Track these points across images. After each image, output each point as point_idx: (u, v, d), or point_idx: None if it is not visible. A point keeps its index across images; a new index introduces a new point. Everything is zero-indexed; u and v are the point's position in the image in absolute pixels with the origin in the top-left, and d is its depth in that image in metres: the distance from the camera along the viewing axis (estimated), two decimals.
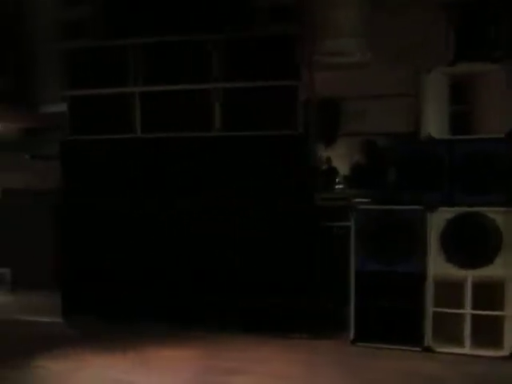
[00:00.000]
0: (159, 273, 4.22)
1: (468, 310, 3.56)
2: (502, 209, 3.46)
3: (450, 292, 3.60)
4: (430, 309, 3.62)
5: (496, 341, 3.50)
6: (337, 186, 4.79)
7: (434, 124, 3.55)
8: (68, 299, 4.38)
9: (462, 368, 3.37)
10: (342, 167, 4.74)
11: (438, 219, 3.58)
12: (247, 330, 3.94)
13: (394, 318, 3.70)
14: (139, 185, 4.24)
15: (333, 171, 4.83)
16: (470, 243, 3.52)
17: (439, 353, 3.60)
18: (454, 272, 3.58)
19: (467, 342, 3.56)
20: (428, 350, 3.62)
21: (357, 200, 4.13)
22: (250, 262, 4.00)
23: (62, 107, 5.91)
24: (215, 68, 3.97)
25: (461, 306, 3.58)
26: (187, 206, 4.09)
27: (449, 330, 3.61)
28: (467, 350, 3.56)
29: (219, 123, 4.00)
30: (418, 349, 3.64)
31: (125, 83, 4.14)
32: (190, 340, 3.90)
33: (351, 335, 3.80)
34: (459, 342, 3.58)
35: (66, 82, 4.28)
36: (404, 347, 3.66)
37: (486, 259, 3.51)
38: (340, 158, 4.77)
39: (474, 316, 3.55)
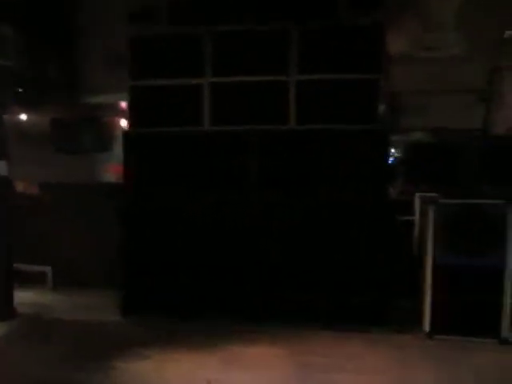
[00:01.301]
0: (224, 268, 4.14)
1: None
2: None
3: None
4: (508, 301, 3.75)
5: None
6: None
7: None
8: (128, 297, 4.25)
9: None
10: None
11: None
12: (323, 325, 3.93)
13: (470, 310, 3.78)
14: (207, 179, 4.13)
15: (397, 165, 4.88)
16: None
17: None
18: None
19: None
20: (505, 341, 3.74)
21: (425, 194, 4.20)
22: (326, 257, 3.97)
23: (105, 98, 5.80)
24: (292, 59, 3.90)
25: None
26: (261, 200, 4.02)
27: None
28: None
29: (294, 116, 3.95)
30: (494, 340, 3.76)
31: (195, 74, 4.02)
32: (271, 336, 3.85)
33: (426, 328, 3.88)
34: None
35: (128, 71, 4.11)
36: (480, 339, 3.77)
37: None
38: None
39: None
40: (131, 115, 4.17)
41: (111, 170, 6.86)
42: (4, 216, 4.17)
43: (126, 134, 4.17)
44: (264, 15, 3.91)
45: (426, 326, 3.88)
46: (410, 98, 4.23)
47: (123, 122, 6.79)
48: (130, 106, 4.16)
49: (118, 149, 6.75)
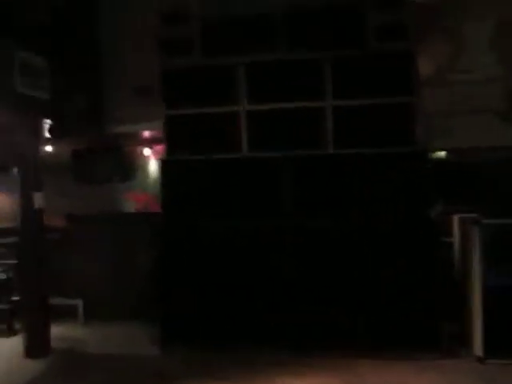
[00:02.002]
0: (263, 297, 4.04)
1: None
2: None
3: None
4: None
5: None
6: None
7: None
8: (163, 329, 4.13)
9: None
10: None
11: None
12: (368, 351, 3.84)
13: None
14: (244, 204, 4.09)
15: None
16: None
17: None
18: None
19: None
20: None
21: (464, 215, 4.17)
22: (369, 282, 3.90)
23: (129, 128, 5.82)
24: (328, 86, 3.93)
25: None
26: (303, 224, 3.97)
27: None
28: None
29: (332, 140, 3.96)
30: None
31: (231, 101, 4.05)
32: (316, 365, 3.74)
33: (477, 352, 3.78)
34: None
35: (163, 101, 4.14)
36: None
37: None
38: None
39: None
40: (168, 143, 4.17)
41: (133, 198, 6.86)
42: (41, 250, 4.11)
43: (163, 161, 4.16)
44: (297, 44, 3.97)
45: (477, 350, 3.80)
46: (441, 119, 4.25)
47: (146, 151, 6.88)
48: (167, 134, 4.16)
49: (139, 177, 6.90)
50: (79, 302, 5.10)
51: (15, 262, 4.90)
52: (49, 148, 5.82)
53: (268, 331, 3.97)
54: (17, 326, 4.73)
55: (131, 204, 6.75)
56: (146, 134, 6.51)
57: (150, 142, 6.68)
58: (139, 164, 6.66)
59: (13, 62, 3.69)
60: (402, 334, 3.89)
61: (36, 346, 4.20)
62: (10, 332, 4.73)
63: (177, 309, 4.11)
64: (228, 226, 4.05)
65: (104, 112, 5.34)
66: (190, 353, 4.06)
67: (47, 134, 4.82)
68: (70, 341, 4.55)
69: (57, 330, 4.64)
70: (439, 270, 3.97)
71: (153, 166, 6.82)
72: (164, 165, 4.15)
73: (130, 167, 6.60)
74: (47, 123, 4.82)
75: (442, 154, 4.96)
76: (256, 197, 4.06)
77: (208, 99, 4.11)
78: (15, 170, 4.26)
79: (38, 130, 4.17)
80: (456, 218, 4.36)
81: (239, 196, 4.08)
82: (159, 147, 6.69)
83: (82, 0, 4.81)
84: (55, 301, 4.92)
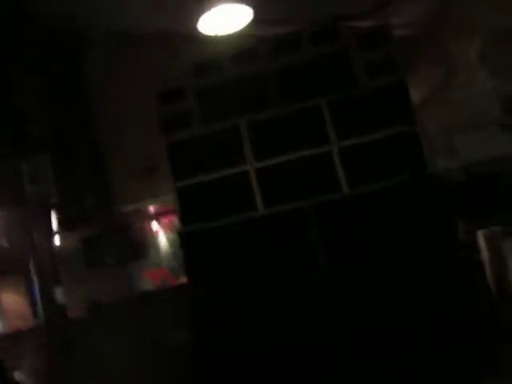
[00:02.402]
0: (296, 360, 3.88)
1: None
2: None
3: None
4: None
5: None
6: None
7: None
8: None
9: None
10: None
11: None
12: None
13: None
14: (263, 265, 4.04)
15: None
16: None
17: None
18: None
19: None
20: None
21: (489, 230, 4.13)
22: (407, 324, 3.79)
23: (134, 206, 5.82)
24: (330, 129, 3.99)
25: None
26: (330, 275, 3.91)
27: None
28: None
29: (345, 184, 3.96)
30: None
31: (238, 162, 4.08)
32: None
33: None
34: None
35: (172, 174, 4.15)
36: None
37: None
38: None
39: None
40: (181, 214, 4.13)
41: (148, 276, 6.74)
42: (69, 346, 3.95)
43: (180, 234, 4.11)
44: (292, 96, 4.06)
45: None
46: (441, 138, 4.32)
47: (154, 226, 6.84)
48: (180, 206, 4.13)
49: (152, 254, 6.81)
50: None
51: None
52: (57, 240, 5.80)
53: None
54: None
55: (148, 282, 6.64)
56: (152, 208, 6.56)
57: (156, 216, 6.72)
58: (149, 240, 6.64)
59: (21, 172, 3.74)
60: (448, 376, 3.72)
61: None
62: None
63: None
64: (259, 289, 3.96)
65: (109, 197, 5.37)
66: None
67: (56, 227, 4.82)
68: None
69: None
70: (477, 294, 3.90)
71: (163, 240, 6.81)
72: (182, 237, 4.09)
73: (140, 244, 6.57)
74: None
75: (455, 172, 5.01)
76: (280, 253, 4.01)
77: (215, 165, 4.14)
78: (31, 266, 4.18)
79: (49, 225, 4.14)
80: (481, 234, 4.34)
81: (263, 256, 4.02)
82: (166, 220, 6.74)
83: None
84: None
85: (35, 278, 3.99)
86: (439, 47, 4.19)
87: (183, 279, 6.51)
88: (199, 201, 4.15)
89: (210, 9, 4.65)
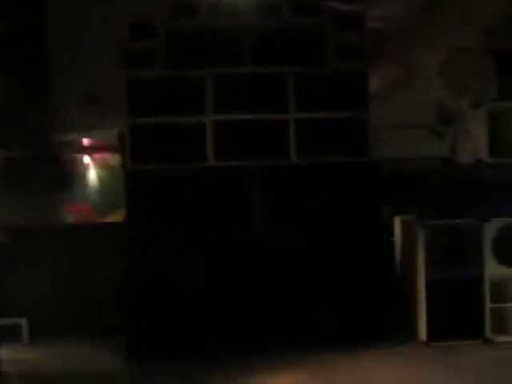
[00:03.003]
0: (229, 301, 4.17)
1: None
2: None
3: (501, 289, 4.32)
4: (488, 306, 4.30)
5: None
6: None
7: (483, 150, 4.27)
8: (131, 342, 4.06)
9: None
10: None
11: (490, 229, 4.30)
12: (332, 346, 4.13)
13: (459, 317, 4.28)
14: (204, 213, 4.21)
15: None
16: None
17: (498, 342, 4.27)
18: (504, 272, 4.30)
19: None
20: (489, 341, 4.27)
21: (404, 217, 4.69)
22: (327, 279, 4.23)
23: (71, 137, 5.54)
24: (291, 99, 4.19)
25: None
26: (264, 232, 4.19)
27: (503, 322, 4.31)
28: None
29: (294, 152, 4.22)
30: (480, 341, 4.27)
31: (196, 112, 4.12)
32: (287, 363, 3.94)
33: (423, 337, 4.28)
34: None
35: (127, 110, 4.08)
36: (468, 341, 4.25)
37: None
38: None
39: None
40: (132, 153, 4.11)
41: (72, 209, 6.53)
42: None
43: (128, 171, 4.09)
44: (262, 59, 4.19)
45: (423, 336, 4.32)
46: (384, 132, 4.75)
47: (86, 160, 6.59)
48: (131, 144, 4.10)
49: (79, 187, 6.59)
50: (23, 321, 4.80)
51: None
52: None
53: (238, 336, 4.11)
54: None
55: (70, 215, 6.45)
56: (86, 141, 6.32)
57: (89, 150, 6.48)
58: (78, 173, 6.41)
59: None
60: (354, 328, 4.28)
61: None
62: None
63: (144, 320, 4.08)
64: (195, 235, 4.13)
65: (50, 121, 5.08)
66: (161, 364, 3.99)
67: None
68: (20, 363, 4.27)
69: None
70: (386, 268, 4.47)
71: (92, 175, 6.61)
72: (129, 175, 4.09)
73: (68, 176, 6.32)
74: None
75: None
76: (221, 205, 4.21)
77: (173, 110, 4.15)
78: None
79: None
80: (398, 220, 4.92)
81: (206, 205, 4.19)
82: (98, 156, 6.54)
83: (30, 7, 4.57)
84: None
85: None
86: (402, 49, 4.57)
87: (107, 217, 6.58)
88: (151, 142, 4.17)
89: None
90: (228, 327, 4.16)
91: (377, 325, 4.27)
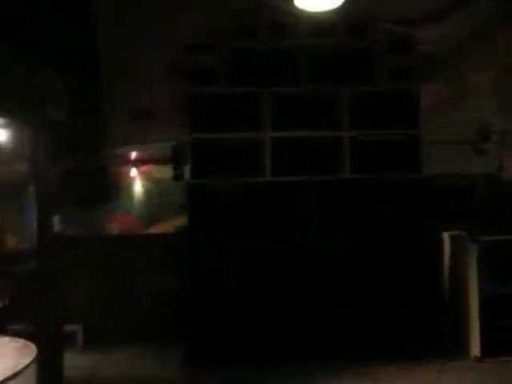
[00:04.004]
0: (281, 312, 4.26)
1: None
2: None
3: None
4: None
5: None
6: None
7: None
8: (192, 349, 4.16)
9: None
10: None
11: None
12: (385, 360, 4.19)
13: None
14: (262, 226, 4.32)
15: None
16: None
17: None
18: None
19: None
20: None
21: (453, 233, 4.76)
22: (382, 292, 4.32)
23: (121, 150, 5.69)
24: (345, 117, 4.34)
25: None
26: (319, 245, 4.29)
27: None
28: None
29: (349, 167, 4.34)
30: None
31: (255, 129, 4.28)
32: (342, 374, 4.03)
33: (475, 353, 4.32)
34: None
35: (189, 125, 4.25)
36: None
37: None
38: None
39: None
40: (193, 167, 4.27)
41: (116, 220, 6.68)
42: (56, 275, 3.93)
43: (189, 184, 4.25)
44: (318, 78, 4.36)
45: (477, 351, 4.36)
46: (434, 149, 4.85)
47: (132, 172, 6.75)
48: (192, 157, 4.27)
49: (124, 199, 6.73)
50: (79, 328, 4.92)
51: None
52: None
53: (294, 347, 4.19)
54: None
55: (114, 226, 6.59)
56: (133, 154, 6.47)
57: (136, 163, 6.64)
58: (123, 185, 6.56)
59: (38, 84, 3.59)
60: (410, 343, 4.33)
61: (49, 378, 3.99)
62: None
63: (204, 329, 4.20)
64: (252, 248, 4.24)
65: (101, 134, 5.26)
66: (222, 372, 4.07)
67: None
68: (81, 370, 4.38)
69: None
70: (437, 283, 4.52)
71: (138, 188, 6.75)
72: (190, 188, 4.25)
73: (114, 188, 6.48)
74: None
75: None
76: (279, 219, 4.32)
77: (233, 125, 4.32)
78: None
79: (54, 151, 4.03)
80: (446, 235, 4.98)
81: (263, 219, 4.31)
82: (144, 168, 6.70)
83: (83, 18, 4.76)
84: None
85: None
86: (452, 71, 4.69)
87: (151, 229, 6.71)
88: (212, 156, 4.33)
89: None
90: (283, 336, 4.24)
91: (430, 340, 4.33)
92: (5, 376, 1.64)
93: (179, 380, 4.07)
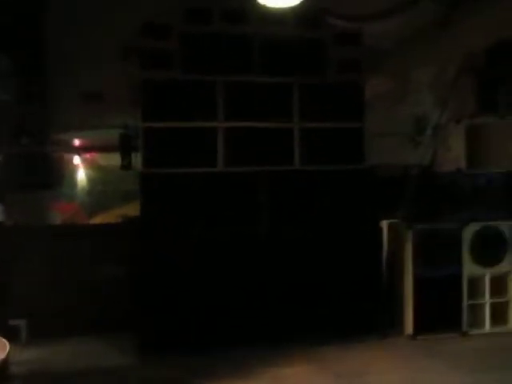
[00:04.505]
0: (238, 297, 4.38)
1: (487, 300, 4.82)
2: (507, 223, 4.83)
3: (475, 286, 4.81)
4: (466, 302, 4.77)
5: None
6: None
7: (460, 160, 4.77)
8: (143, 338, 4.17)
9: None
10: None
11: (468, 232, 4.78)
12: (324, 340, 4.44)
13: (440, 312, 4.72)
14: (214, 215, 4.39)
15: None
16: (490, 248, 4.80)
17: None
18: (477, 271, 4.79)
19: (487, 323, 4.80)
20: (465, 334, 4.74)
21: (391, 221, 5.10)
22: (325, 278, 4.56)
23: (73, 135, 5.49)
24: (296, 108, 4.48)
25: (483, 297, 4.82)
26: (270, 233, 4.43)
27: (477, 316, 4.80)
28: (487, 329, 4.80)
29: (298, 158, 4.50)
30: (457, 334, 4.74)
31: (208, 118, 4.30)
32: (288, 356, 4.21)
33: (409, 331, 4.69)
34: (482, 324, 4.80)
35: (141, 113, 4.19)
36: (448, 334, 4.70)
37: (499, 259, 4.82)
38: None
39: (491, 303, 4.81)
40: (145, 156, 4.23)
41: (59, 208, 6.45)
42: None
43: (142, 173, 4.21)
44: (270, 68, 4.46)
45: (410, 330, 4.73)
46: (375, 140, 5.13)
47: (76, 159, 6.53)
48: (144, 146, 4.22)
49: (67, 187, 6.52)
50: (22, 322, 4.73)
51: None
52: None
53: (243, 331, 4.34)
54: None
55: (56, 214, 6.37)
56: (77, 141, 6.28)
57: (79, 150, 6.44)
58: (67, 172, 6.34)
59: None
60: (348, 324, 4.63)
61: None
62: None
63: (154, 317, 4.22)
64: (205, 236, 4.32)
65: (47, 118, 5.03)
66: (171, 359, 4.13)
67: None
68: (28, 363, 4.23)
69: None
70: (375, 267, 4.85)
71: (81, 175, 6.56)
72: (143, 177, 4.22)
73: (57, 174, 6.24)
74: None
75: None
76: (231, 208, 4.41)
77: (185, 114, 4.32)
78: None
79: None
80: (385, 223, 5.32)
81: (215, 208, 4.38)
82: (88, 155, 6.52)
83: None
84: None
85: None
86: (397, 65, 4.98)
87: (96, 218, 6.58)
88: (164, 145, 4.31)
89: None
90: (234, 323, 4.36)
91: (368, 320, 4.66)
92: None
93: (130, 368, 4.10)
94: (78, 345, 4.57)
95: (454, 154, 4.88)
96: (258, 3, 3.98)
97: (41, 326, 4.68)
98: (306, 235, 4.54)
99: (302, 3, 3.95)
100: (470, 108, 4.67)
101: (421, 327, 4.71)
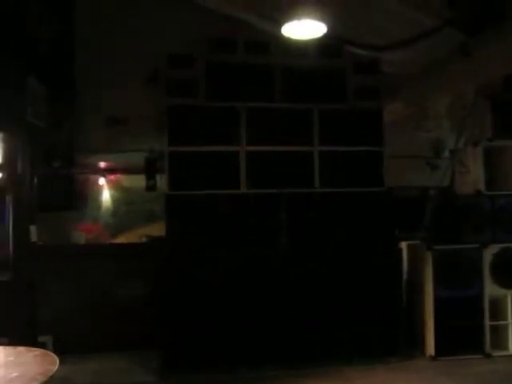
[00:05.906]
0: (258, 318, 4.45)
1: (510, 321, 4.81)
2: None
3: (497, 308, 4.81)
4: (487, 323, 4.77)
5: None
6: None
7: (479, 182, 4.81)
8: (165, 356, 4.26)
9: None
10: None
11: (488, 253, 4.80)
12: (347, 361, 4.50)
13: (462, 334, 4.72)
14: (237, 236, 4.49)
15: None
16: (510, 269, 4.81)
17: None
18: (499, 292, 4.79)
19: (511, 345, 4.77)
20: (488, 356, 4.72)
21: (412, 242, 5.15)
22: (345, 301, 4.60)
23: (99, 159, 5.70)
24: (316, 133, 4.61)
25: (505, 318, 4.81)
26: (290, 253, 4.52)
27: (500, 338, 4.78)
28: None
29: (318, 181, 4.61)
30: (481, 356, 4.72)
31: (231, 142, 4.46)
32: (312, 376, 4.27)
33: (430, 352, 4.69)
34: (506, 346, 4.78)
35: (167, 137, 4.36)
36: (471, 356, 4.69)
37: None
38: None
39: None
40: (170, 178, 4.39)
41: (82, 229, 6.62)
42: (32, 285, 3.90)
43: (167, 195, 4.36)
44: (291, 95, 4.61)
45: (431, 351, 4.74)
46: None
47: (101, 181, 6.73)
48: (169, 169, 4.38)
49: (91, 208, 6.71)
50: (49, 338, 4.85)
51: None
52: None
53: (267, 351, 4.40)
54: None
55: (80, 234, 6.53)
56: (103, 163, 6.48)
57: (104, 172, 6.64)
58: (91, 193, 6.53)
59: (24, 90, 3.59)
60: (369, 345, 4.65)
61: None
62: None
63: (178, 335, 4.30)
64: (228, 256, 4.42)
65: (76, 142, 5.25)
66: (194, 377, 4.24)
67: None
68: (52, 380, 4.31)
69: None
70: (396, 288, 4.88)
71: (106, 196, 6.74)
72: (168, 199, 4.36)
73: (82, 196, 6.43)
74: None
75: None
76: (253, 229, 4.51)
77: (209, 139, 4.48)
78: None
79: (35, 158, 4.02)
80: (404, 244, 5.37)
81: (238, 228, 4.48)
82: (112, 177, 6.71)
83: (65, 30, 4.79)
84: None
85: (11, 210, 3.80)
86: (415, 91, 5.11)
87: (119, 238, 6.73)
88: (188, 168, 4.45)
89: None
90: (258, 342, 4.42)
91: (389, 341, 4.67)
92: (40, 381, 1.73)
93: None
94: (102, 362, 4.67)
95: (472, 177, 4.93)
96: (283, 35, 4.20)
97: (65, 343, 4.83)
98: (326, 257, 4.62)
99: (324, 34, 4.16)
100: (487, 131, 4.75)
101: (442, 348, 4.71)
